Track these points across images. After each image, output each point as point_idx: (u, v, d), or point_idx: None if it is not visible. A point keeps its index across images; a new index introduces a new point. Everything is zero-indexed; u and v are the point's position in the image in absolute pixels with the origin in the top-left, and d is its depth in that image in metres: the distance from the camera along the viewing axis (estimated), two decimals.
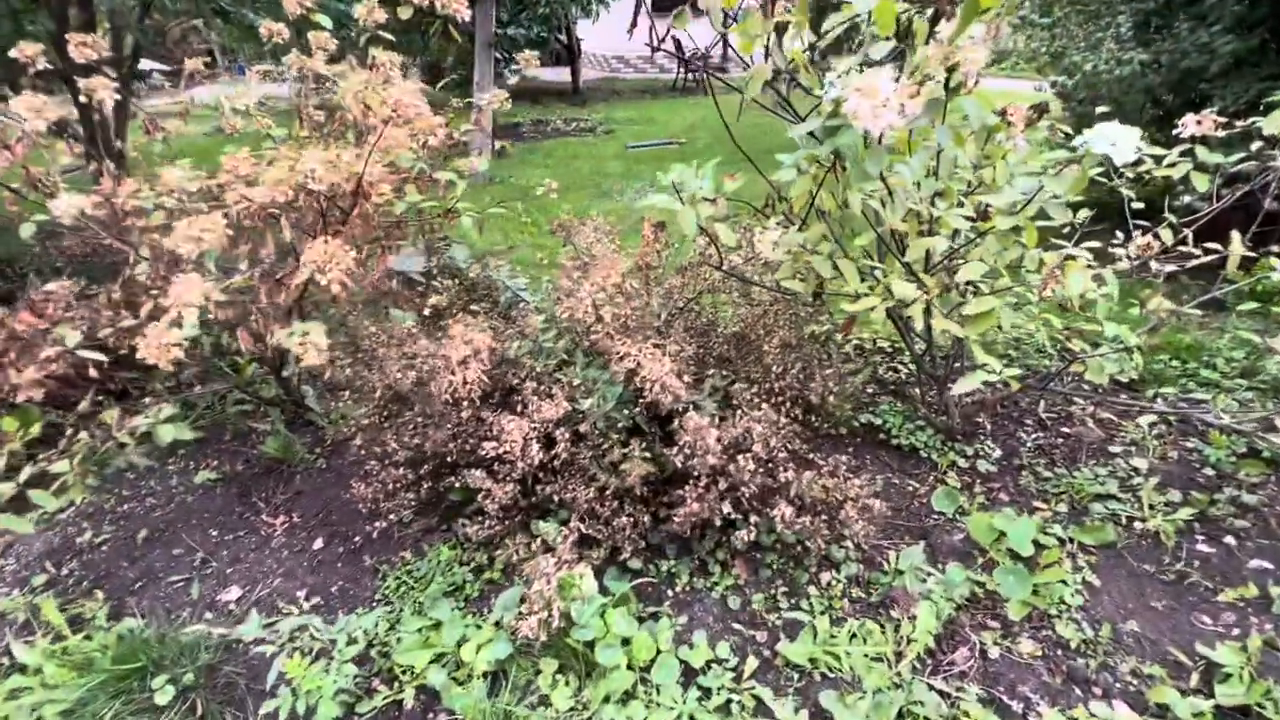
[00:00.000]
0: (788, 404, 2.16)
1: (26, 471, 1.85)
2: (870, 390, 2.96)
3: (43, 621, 2.00)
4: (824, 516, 1.91)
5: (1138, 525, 2.18)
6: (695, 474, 1.82)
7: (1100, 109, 2.32)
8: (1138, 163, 2.16)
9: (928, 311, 1.55)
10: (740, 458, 1.84)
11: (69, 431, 2.04)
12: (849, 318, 1.76)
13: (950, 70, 1.78)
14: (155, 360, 1.40)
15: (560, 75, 15.44)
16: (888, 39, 1.57)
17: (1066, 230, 2.35)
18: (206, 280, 1.49)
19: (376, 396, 2.04)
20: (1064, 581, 1.96)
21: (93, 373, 2.03)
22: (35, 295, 2.00)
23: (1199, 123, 1.89)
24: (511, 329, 2.13)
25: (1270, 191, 2.07)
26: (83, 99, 2.18)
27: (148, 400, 2.24)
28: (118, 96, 2.22)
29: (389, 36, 2.37)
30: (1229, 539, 2.12)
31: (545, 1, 9.96)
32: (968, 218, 1.74)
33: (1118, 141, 1.36)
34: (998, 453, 2.55)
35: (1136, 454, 2.49)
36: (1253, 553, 2.07)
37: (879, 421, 2.69)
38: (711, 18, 1.43)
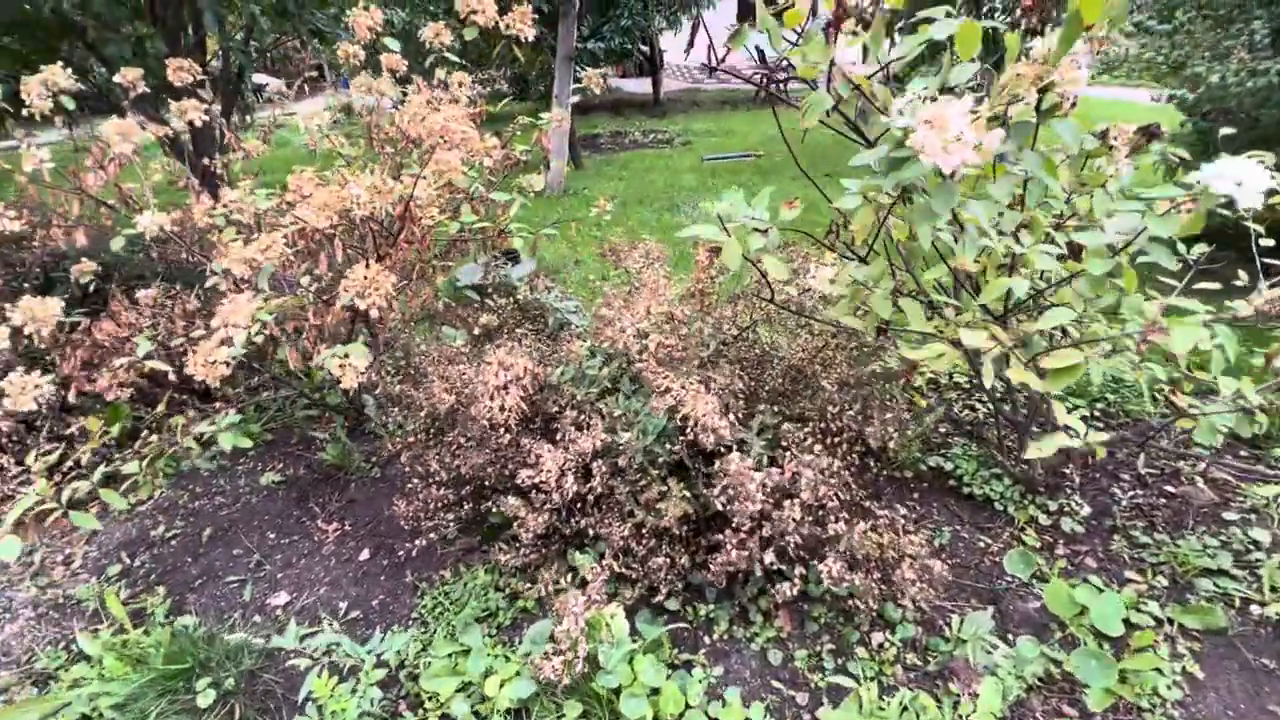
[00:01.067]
0: (844, 446, 2.01)
1: (100, 471, 1.96)
2: (943, 430, 2.74)
3: (109, 612, 2.12)
4: (877, 574, 1.75)
5: (1255, 610, 1.89)
6: (735, 520, 1.71)
7: (1224, 130, 2.04)
8: (1270, 191, 1.88)
9: (1003, 361, 1.38)
10: (786, 504, 1.72)
11: (144, 433, 2.16)
12: (909, 364, 1.61)
13: (1043, 91, 1.61)
14: (203, 377, 1.44)
15: (643, 86, 15.53)
16: (972, 60, 1.42)
17: (1180, 265, 2.08)
18: (256, 299, 1.52)
19: (422, 415, 2.05)
20: (1159, 670, 1.71)
21: (171, 376, 2.14)
22: (115, 305, 2.13)
23: None
24: (559, 353, 2.09)
25: None
26: (175, 120, 2.31)
27: (216, 405, 2.34)
28: (206, 117, 2.35)
29: (454, 58, 2.40)
30: None
31: (628, 14, 10.02)
32: (1057, 255, 1.55)
33: (1244, 180, 1.16)
34: (1086, 510, 2.28)
35: (1257, 524, 2.16)
36: None
37: (950, 466, 2.47)
38: (770, 38, 1.33)
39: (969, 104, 1.22)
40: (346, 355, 1.59)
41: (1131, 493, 2.36)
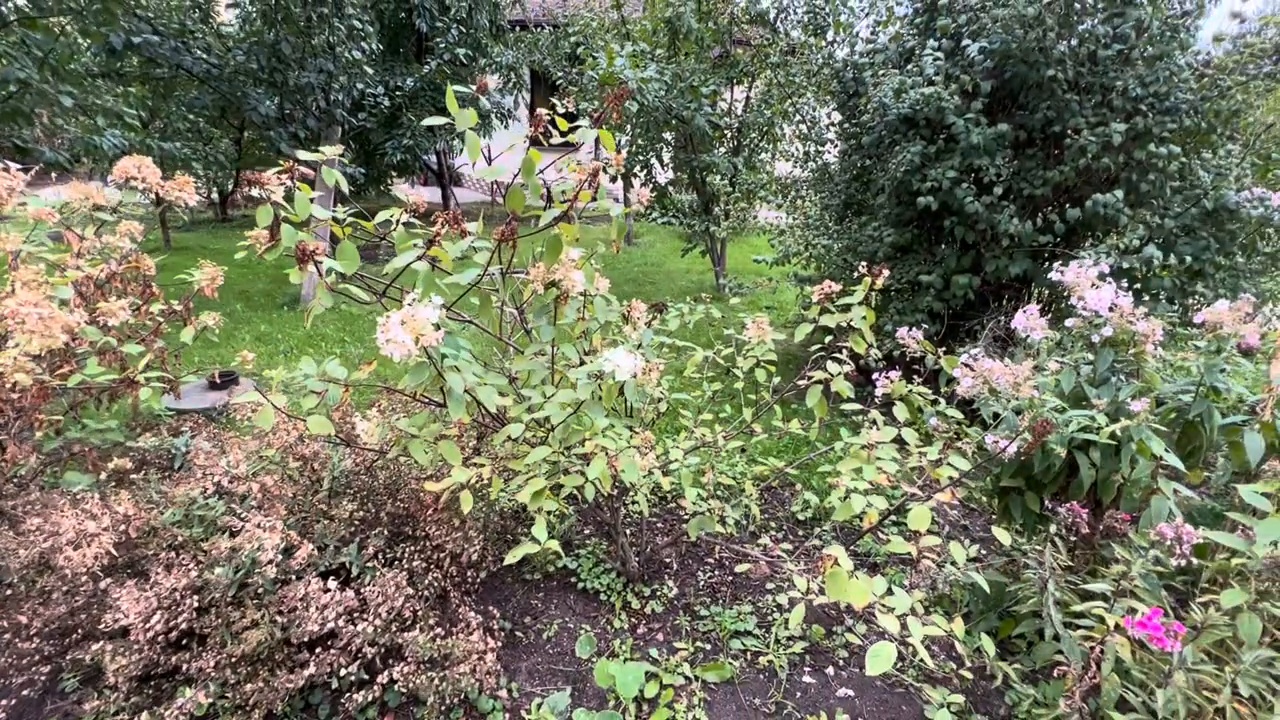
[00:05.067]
0: (446, 560, 2.37)
1: None
2: (587, 531, 3.24)
3: None
4: (444, 670, 2.08)
5: (762, 660, 2.50)
6: (310, 638, 1.96)
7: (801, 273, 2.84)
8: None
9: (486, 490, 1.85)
10: (361, 620, 2.01)
11: None
12: (433, 495, 2.04)
13: (549, 286, 2.21)
14: None
15: (438, 195, 16.15)
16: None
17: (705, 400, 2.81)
18: None
19: (15, 567, 2.07)
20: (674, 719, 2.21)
21: None
22: None
23: (758, 326, 2.42)
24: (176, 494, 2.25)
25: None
26: None
27: None
28: None
29: (107, 216, 2.58)
30: (830, 669, 2.47)
31: (410, 134, 10.63)
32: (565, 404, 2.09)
33: (620, 364, 1.77)
34: (674, 592, 2.85)
35: (788, 590, 2.86)
36: (844, 681, 2.42)
37: (575, 565, 2.94)
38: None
39: (438, 307, 1.72)
40: None
41: (710, 574, 2.99)
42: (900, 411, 2.43)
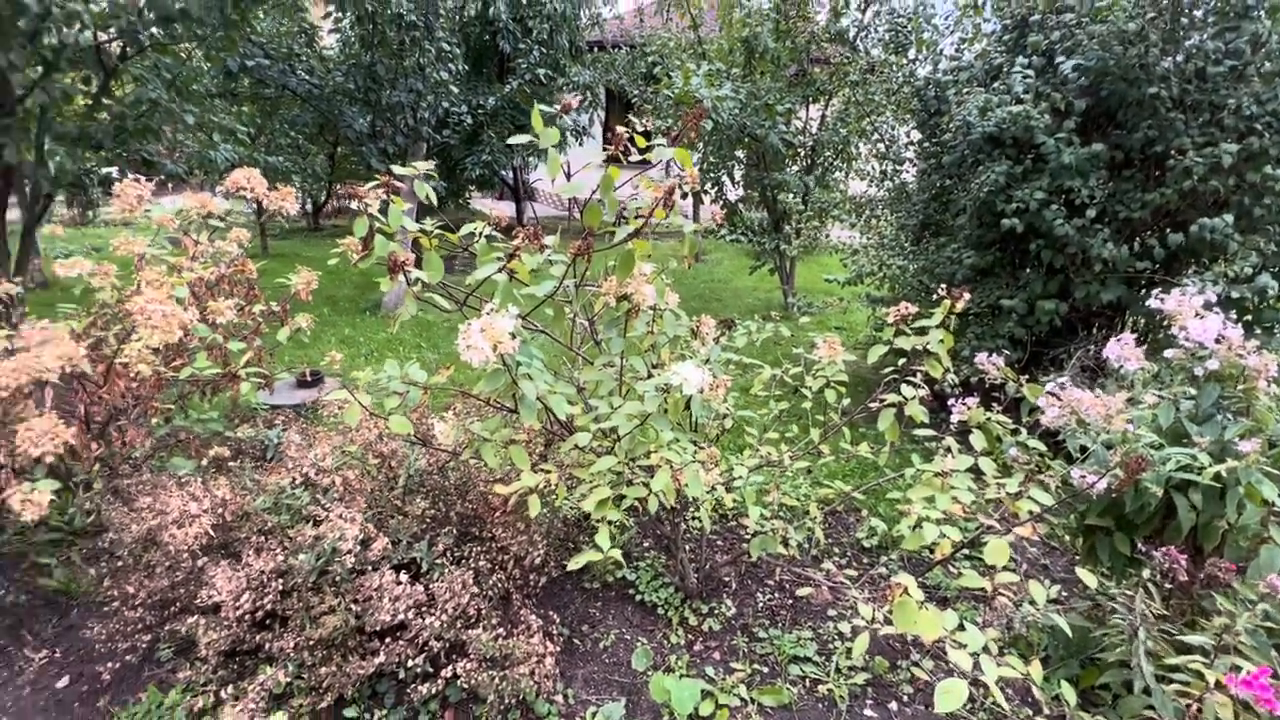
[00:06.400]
0: (510, 562, 2.43)
1: None
2: (646, 544, 3.25)
3: None
4: (504, 670, 2.13)
5: (821, 688, 2.43)
6: (381, 628, 2.05)
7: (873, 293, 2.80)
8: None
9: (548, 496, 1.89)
10: (429, 614, 2.09)
11: None
12: (501, 498, 2.10)
13: (621, 299, 2.26)
14: None
15: (512, 209, 16.69)
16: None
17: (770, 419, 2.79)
18: None
19: (127, 540, 2.26)
20: None
21: None
22: None
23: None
24: (268, 482, 2.40)
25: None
26: None
27: None
28: None
29: (219, 224, 2.81)
30: (893, 704, 2.38)
31: (489, 150, 11.05)
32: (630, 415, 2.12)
33: (689, 378, 1.79)
34: (732, 611, 2.81)
35: (850, 618, 2.78)
36: (908, 719, 2.32)
37: (633, 577, 2.96)
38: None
39: (514, 317, 1.78)
40: (32, 491, 1.84)
41: (769, 596, 2.93)
42: (977, 440, 2.33)
